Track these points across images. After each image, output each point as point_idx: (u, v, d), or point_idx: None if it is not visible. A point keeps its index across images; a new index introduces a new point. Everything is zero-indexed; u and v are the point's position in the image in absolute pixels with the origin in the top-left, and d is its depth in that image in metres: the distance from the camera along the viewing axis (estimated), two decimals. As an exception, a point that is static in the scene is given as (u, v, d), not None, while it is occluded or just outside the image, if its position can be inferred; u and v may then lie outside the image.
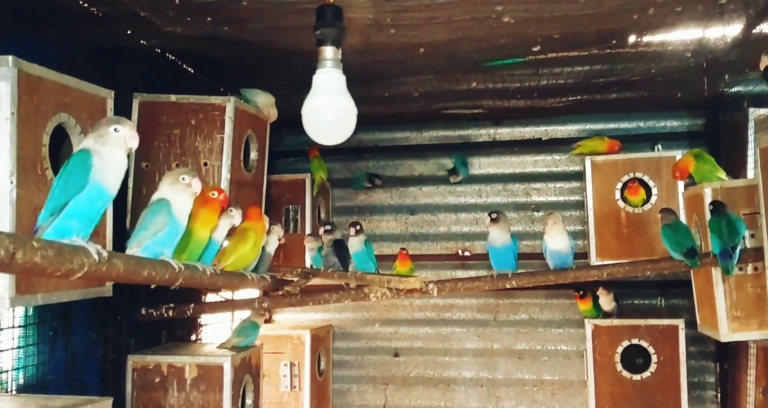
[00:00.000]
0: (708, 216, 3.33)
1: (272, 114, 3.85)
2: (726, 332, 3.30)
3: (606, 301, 4.30)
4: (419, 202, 5.23)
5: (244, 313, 4.66)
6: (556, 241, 3.36)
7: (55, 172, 2.41)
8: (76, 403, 2.41)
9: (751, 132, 4.37)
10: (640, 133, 4.87)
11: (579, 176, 4.84)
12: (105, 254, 1.76)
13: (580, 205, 4.83)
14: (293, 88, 3.51)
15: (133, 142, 1.94)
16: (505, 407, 4.99)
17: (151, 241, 2.14)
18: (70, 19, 2.92)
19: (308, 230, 4.51)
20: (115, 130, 1.90)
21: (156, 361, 3.29)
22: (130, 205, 3.30)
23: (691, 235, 3.37)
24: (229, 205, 2.73)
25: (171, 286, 2.28)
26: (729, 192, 3.30)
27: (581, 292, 4.39)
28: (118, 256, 1.77)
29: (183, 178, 2.20)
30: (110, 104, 2.73)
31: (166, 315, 3.46)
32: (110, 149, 1.89)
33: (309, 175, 4.66)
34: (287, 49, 3.35)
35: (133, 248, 2.15)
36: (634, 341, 4.22)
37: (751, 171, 4.18)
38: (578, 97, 4.52)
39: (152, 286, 2.52)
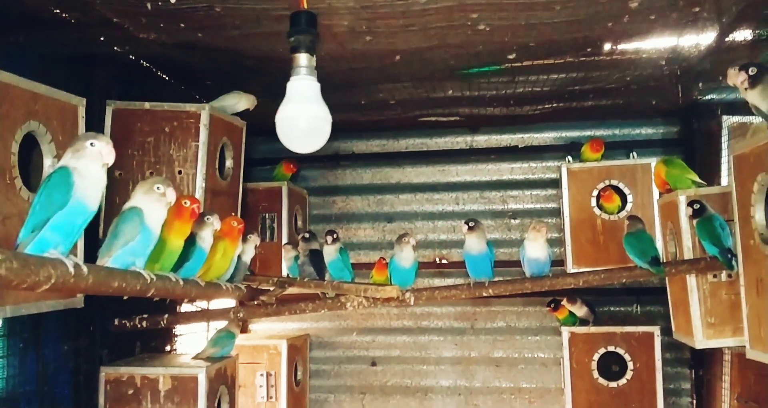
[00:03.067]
0: (684, 222, 3.35)
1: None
2: (701, 339, 3.32)
3: (576, 309, 4.31)
4: (397, 210, 5.21)
5: (220, 323, 4.63)
6: (536, 249, 3.35)
7: (25, 180, 2.37)
8: (46, 417, 2.36)
9: (724, 139, 4.42)
10: (615, 141, 4.88)
11: (555, 184, 4.86)
12: (84, 269, 1.73)
13: (557, 213, 4.84)
14: (270, 96, 3.48)
15: (110, 158, 1.92)
16: (482, 415, 4.99)
17: (122, 251, 2.10)
18: (42, 25, 2.88)
19: (285, 238, 4.47)
20: (91, 144, 1.88)
21: (129, 373, 3.24)
22: (103, 214, 3.25)
23: (654, 243, 3.38)
24: (202, 214, 2.70)
25: (144, 297, 2.24)
26: (703, 198, 3.31)
27: (552, 306, 4.40)
28: (88, 267, 1.73)
29: (158, 188, 2.17)
30: (82, 112, 2.70)
31: (139, 326, 3.41)
32: (87, 164, 1.87)
33: (285, 182, 4.63)
34: (263, 56, 3.33)
35: (104, 258, 2.11)
36: (611, 348, 4.22)
37: (725, 178, 4.21)
38: (554, 105, 4.54)
39: (125, 298, 2.49)
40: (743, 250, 2.81)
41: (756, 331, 2.74)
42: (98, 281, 1.80)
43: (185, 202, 2.39)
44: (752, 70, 2.51)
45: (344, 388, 5.13)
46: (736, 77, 2.54)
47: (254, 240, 3.43)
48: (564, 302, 4.34)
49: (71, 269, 1.64)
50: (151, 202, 2.16)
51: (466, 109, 4.64)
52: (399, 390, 5.08)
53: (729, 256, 3.01)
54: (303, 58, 2.35)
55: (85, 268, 1.70)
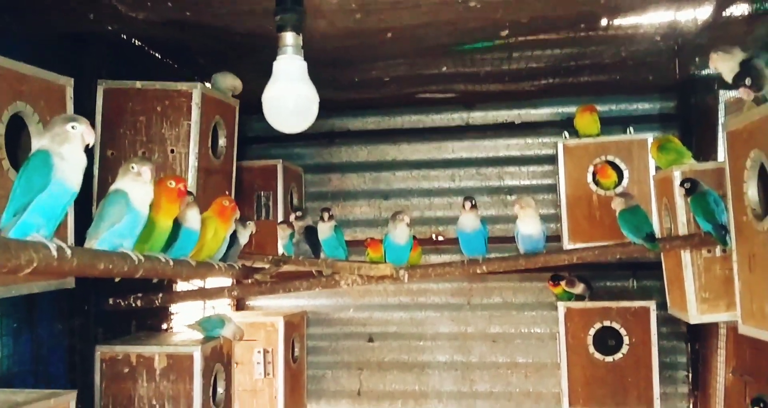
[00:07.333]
0: (678, 198, 3.34)
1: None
2: (695, 314, 3.33)
3: (574, 289, 4.33)
4: (393, 187, 5.21)
5: (218, 301, 4.64)
6: (528, 226, 3.34)
7: (12, 162, 2.37)
8: (39, 396, 2.38)
9: (721, 114, 4.39)
10: (612, 116, 4.85)
11: (552, 160, 4.85)
12: (68, 251, 1.73)
13: (553, 189, 4.83)
14: (262, 73, 3.46)
15: (90, 139, 1.91)
16: (479, 390, 5.02)
17: (108, 232, 2.10)
18: (30, 4, 2.86)
19: (280, 217, 4.47)
20: (72, 127, 1.87)
21: (125, 351, 3.25)
22: (95, 194, 3.25)
23: (649, 219, 3.38)
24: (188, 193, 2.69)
25: (133, 277, 2.25)
26: (698, 174, 3.31)
27: (555, 281, 4.41)
28: (72, 249, 1.73)
29: (132, 167, 2.16)
30: (70, 92, 2.68)
31: (134, 305, 3.41)
32: (68, 147, 1.86)
33: (281, 160, 4.62)
34: (252, 33, 3.31)
35: (91, 240, 2.11)
36: (606, 323, 4.24)
37: (722, 153, 4.19)
38: (550, 81, 4.51)
39: (116, 280, 2.50)
40: (736, 226, 2.81)
41: (748, 306, 2.74)
42: (83, 263, 1.80)
43: (170, 183, 2.38)
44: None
45: (342, 364, 5.16)
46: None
47: (251, 226, 3.44)
48: (564, 285, 4.36)
49: (54, 252, 1.64)
50: (133, 183, 2.16)
51: (462, 85, 4.61)
52: (396, 366, 5.11)
53: (723, 232, 3.01)
54: (289, 37, 2.33)
55: (68, 251, 1.69)
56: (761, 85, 2.50)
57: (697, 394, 4.61)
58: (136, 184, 2.15)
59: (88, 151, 1.93)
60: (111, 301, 3.39)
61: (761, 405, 3.04)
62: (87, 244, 2.12)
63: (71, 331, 3.26)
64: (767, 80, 2.49)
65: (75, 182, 1.83)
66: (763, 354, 3.17)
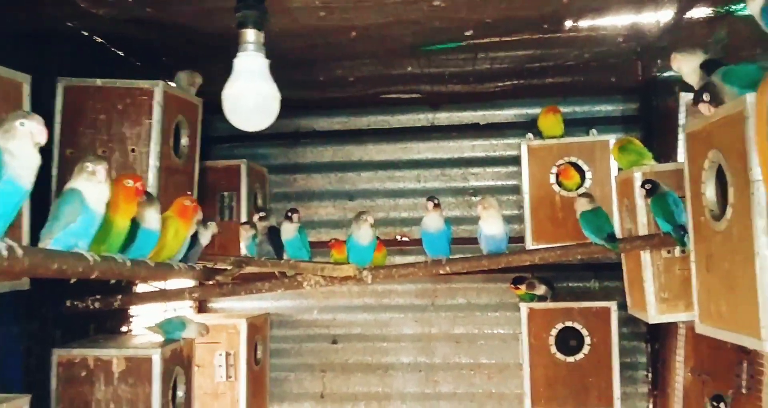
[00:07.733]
0: (639, 199, 3.37)
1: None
2: (654, 314, 3.36)
3: (536, 291, 4.37)
4: (358, 188, 5.19)
5: (180, 303, 4.58)
6: (490, 226, 3.36)
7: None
8: (-8, 401, 2.32)
9: (682, 116, 4.44)
10: (576, 118, 4.90)
11: (516, 161, 4.86)
12: (19, 251, 1.69)
13: (518, 190, 4.85)
14: (227, 72, 3.43)
15: (41, 138, 1.86)
16: (442, 391, 5.02)
17: (62, 232, 2.05)
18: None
19: (244, 217, 4.43)
20: (20, 124, 1.82)
21: (82, 355, 3.19)
22: (53, 194, 3.18)
23: (610, 220, 3.42)
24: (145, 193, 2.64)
25: (88, 278, 2.20)
26: (659, 175, 3.35)
27: (517, 284, 4.44)
28: (24, 249, 1.69)
29: (87, 166, 2.12)
30: (27, 89, 2.62)
31: (92, 307, 3.35)
32: (18, 144, 1.81)
33: (245, 160, 4.57)
34: (217, 32, 3.26)
35: (45, 240, 2.07)
36: (568, 324, 4.27)
37: (682, 155, 4.25)
38: (514, 82, 4.54)
39: (71, 281, 2.45)
40: (694, 227, 2.84)
41: (705, 305, 2.77)
42: (35, 264, 1.75)
43: (127, 182, 2.34)
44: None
45: (305, 366, 5.13)
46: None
47: (213, 227, 3.40)
48: (524, 288, 4.39)
49: (4, 252, 1.59)
50: (88, 182, 2.11)
51: (427, 86, 4.62)
52: (360, 367, 5.09)
53: (682, 232, 3.04)
54: (250, 34, 2.31)
55: (19, 251, 1.65)
56: (719, 100, 2.55)
57: (657, 394, 4.66)
58: (90, 184, 2.11)
59: (47, 149, 1.88)
60: (68, 303, 3.32)
61: (719, 402, 3.08)
62: (41, 245, 2.07)
63: (27, 333, 3.19)
64: (726, 95, 2.53)
65: (27, 181, 1.78)
66: (720, 353, 3.20)
